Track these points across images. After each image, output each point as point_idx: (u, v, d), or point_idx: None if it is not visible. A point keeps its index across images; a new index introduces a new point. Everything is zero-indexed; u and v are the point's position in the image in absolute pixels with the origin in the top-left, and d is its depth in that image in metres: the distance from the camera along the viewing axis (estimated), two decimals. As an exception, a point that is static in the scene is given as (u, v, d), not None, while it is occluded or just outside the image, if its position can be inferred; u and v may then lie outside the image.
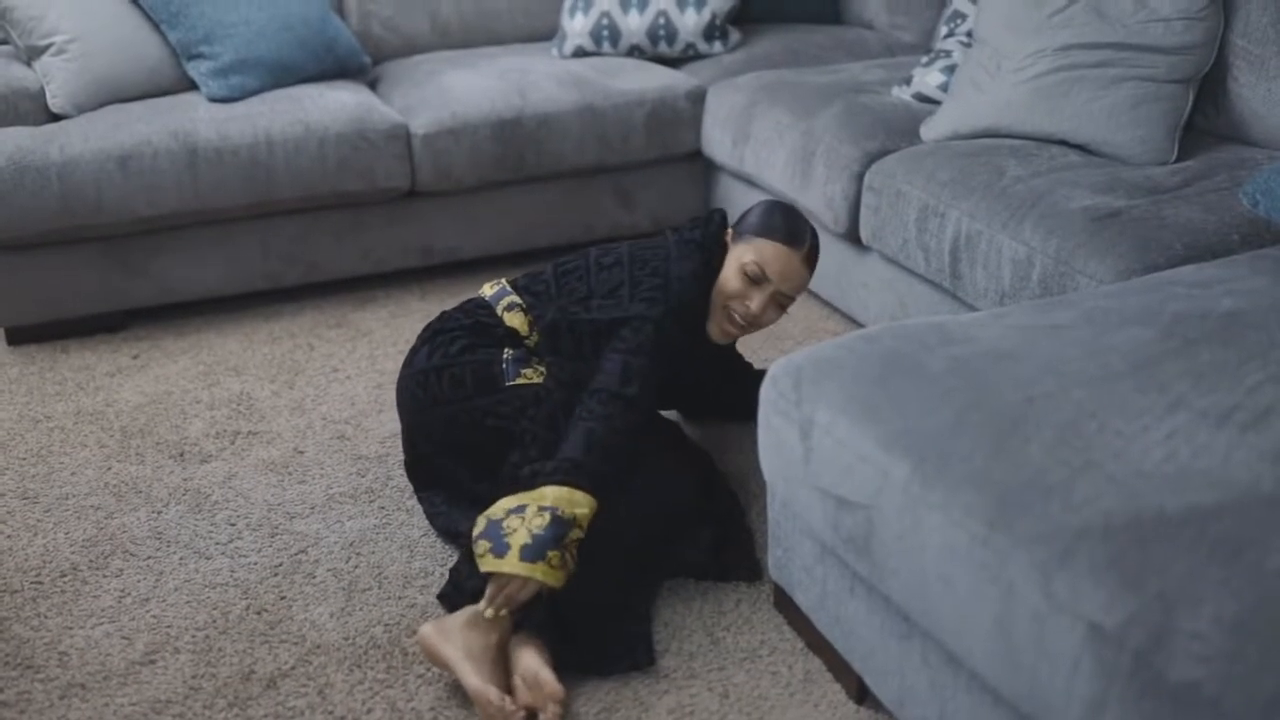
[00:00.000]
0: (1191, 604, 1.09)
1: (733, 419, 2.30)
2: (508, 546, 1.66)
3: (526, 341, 2.02)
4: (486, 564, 1.67)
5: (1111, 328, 1.59)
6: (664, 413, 2.28)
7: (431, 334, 2.07)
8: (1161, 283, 1.76)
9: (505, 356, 1.99)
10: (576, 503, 1.71)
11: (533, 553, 1.65)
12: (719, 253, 2.04)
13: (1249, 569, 1.11)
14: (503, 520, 1.70)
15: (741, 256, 2.00)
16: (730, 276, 2.00)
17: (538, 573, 1.65)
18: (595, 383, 1.84)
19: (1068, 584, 1.16)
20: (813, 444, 1.52)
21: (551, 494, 1.71)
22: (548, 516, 1.68)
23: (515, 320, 2.03)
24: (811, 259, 2.03)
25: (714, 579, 1.92)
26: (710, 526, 1.96)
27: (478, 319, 2.06)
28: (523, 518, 1.69)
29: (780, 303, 2.02)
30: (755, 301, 1.99)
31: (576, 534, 1.70)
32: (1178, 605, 1.09)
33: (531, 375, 1.96)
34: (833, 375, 1.55)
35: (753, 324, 2.02)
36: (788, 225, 2.01)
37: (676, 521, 1.90)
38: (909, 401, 1.46)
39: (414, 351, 2.08)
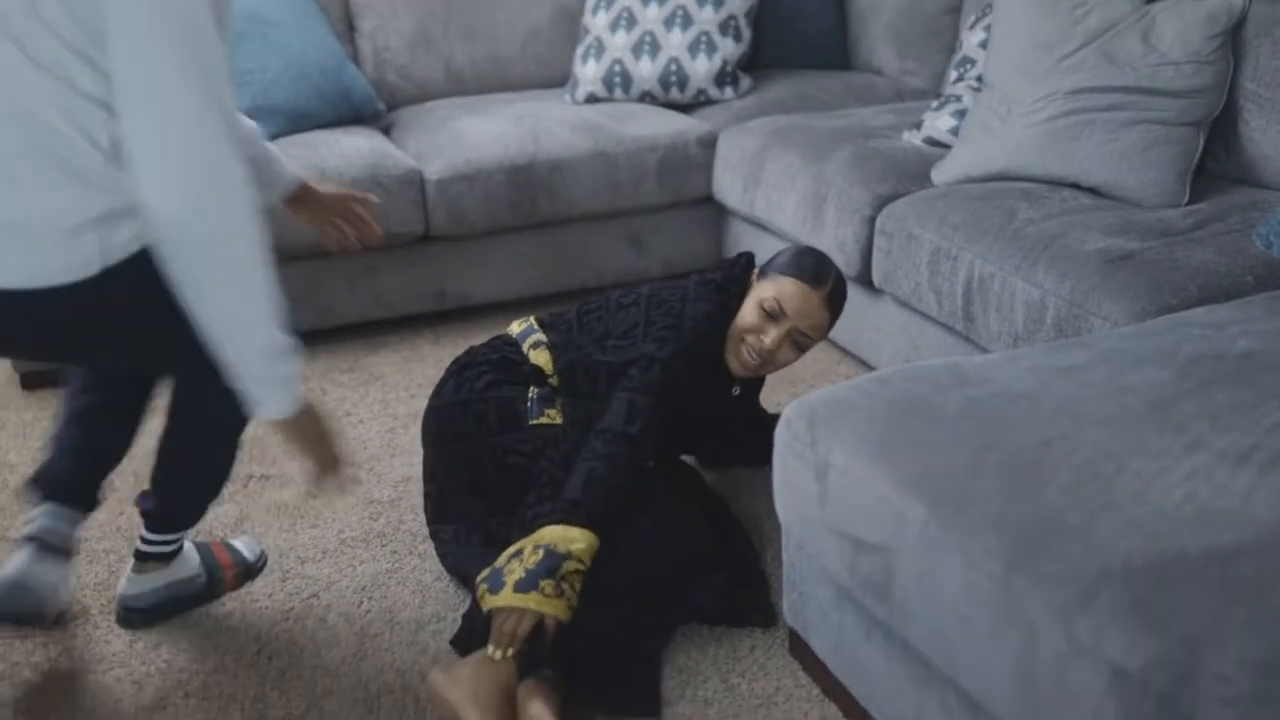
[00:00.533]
0: (1216, 645, 1.07)
1: (748, 464, 2.29)
2: (503, 584, 1.70)
3: (550, 380, 2.03)
4: (485, 602, 1.71)
5: (1127, 369, 1.59)
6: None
7: (459, 368, 2.09)
8: (1176, 324, 1.76)
9: (530, 395, 2.00)
10: (572, 539, 1.73)
11: (525, 585, 1.68)
12: (739, 293, 2.05)
13: (1274, 609, 1.10)
14: (504, 566, 1.74)
15: (761, 292, 2.01)
16: (748, 311, 2.01)
17: (531, 602, 1.67)
18: (601, 422, 1.86)
19: (1090, 626, 1.14)
20: (828, 485, 1.51)
21: (548, 534, 1.74)
22: (541, 553, 1.72)
23: (541, 359, 2.04)
24: (834, 302, 2.03)
25: (728, 624, 1.90)
26: (724, 571, 1.94)
27: (504, 355, 2.08)
28: (521, 559, 1.73)
29: (798, 342, 2.01)
30: (770, 336, 1.98)
31: (574, 565, 1.71)
32: (1202, 647, 1.08)
33: (554, 415, 1.97)
34: (847, 416, 1.55)
35: (767, 361, 2.01)
36: (812, 265, 2.02)
37: (689, 564, 1.89)
38: (925, 443, 1.45)
39: (441, 384, 2.10)
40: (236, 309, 1.47)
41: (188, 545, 1.96)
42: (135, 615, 1.91)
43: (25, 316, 1.48)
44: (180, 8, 1.33)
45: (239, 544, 2.07)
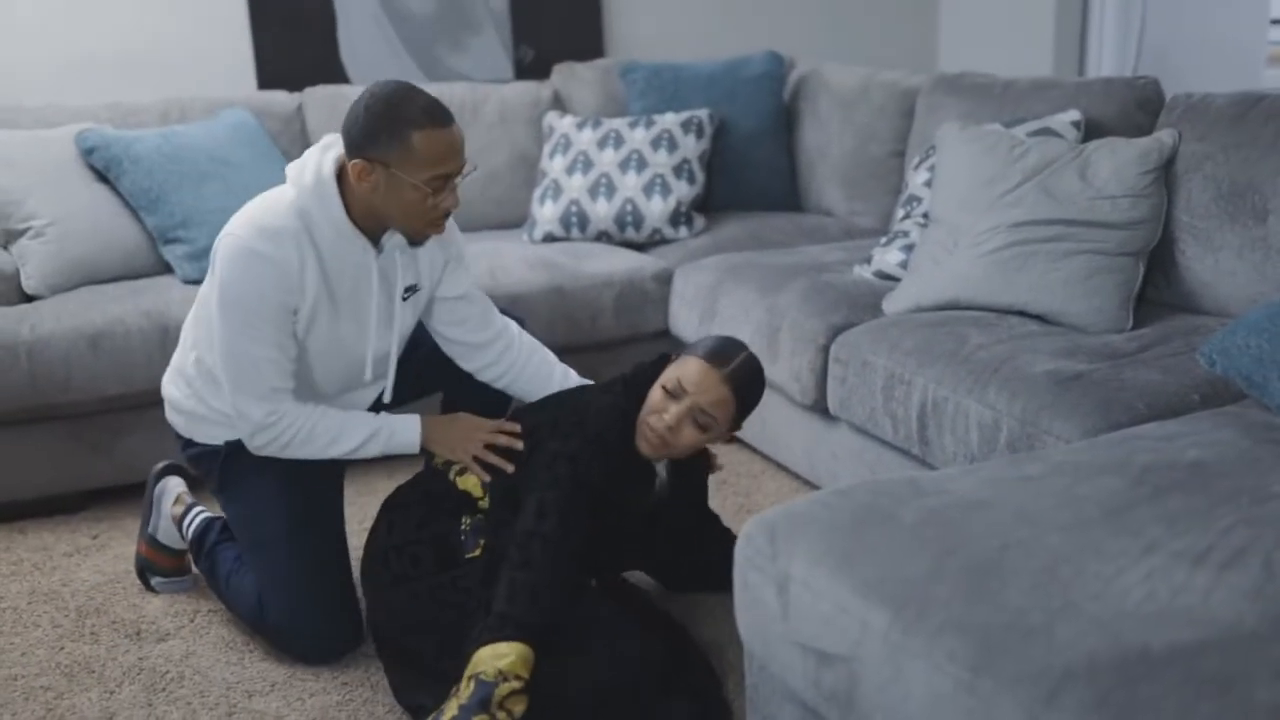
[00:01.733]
0: (1184, 740, 1.06)
1: (710, 587, 2.25)
2: None
3: (480, 504, 2.01)
4: None
5: (1082, 478, 1.60)
6: (637, 581, 2.25)
7: (387, 510, 2.09)
8: (1128, 438, 1.78)
9: (463, 527, 1.98)
10: (500, 654, 1.69)
11: None
12: (650, 385, 2.01)
13: (1239, 703, 1.09)
14: (444, 705, 1.71)
15: (666, 375, 1.99)
16: (653, 393, 1.98)
17: None
18: (516, 528, 1.84)
19: (1057, 725, 1.12)
20: (790, 598, 1.50)
21: (478, 660, 1.71)
22: (473, 685, 1.68)
23: (469, 484, 2.03)
24: (736, 382, 1.96)
25: (691, 752, 1.85)
26: (686, 699, 1.90)
27: (427, 489, 2.07)
28: (457, 696, 1.69)
29: (700, 422, 1.94)
30: (669, 414, 1.94)
31: (509, 687, 1.67)
32: (1170, 742, 1.06)
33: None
34: (808, 528, 1.54)
35: (670, 440, 1.95)
36: (717, 346, 1.98)
37: (647, 687, 1.83)
38: (885, 550, 1.45)
39: (374, 528, 2.10)
40: (302, 454, 2.08)
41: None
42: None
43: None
44: (237, 301, 1.96)
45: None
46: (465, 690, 1.68)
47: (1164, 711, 1.10)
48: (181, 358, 2.21)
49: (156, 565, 2.38)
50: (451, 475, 2.06)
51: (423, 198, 1.93)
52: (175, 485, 2.41)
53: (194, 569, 2.39)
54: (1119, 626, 1.23)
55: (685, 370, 1.96)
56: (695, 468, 2.21)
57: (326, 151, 2.02)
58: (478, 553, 1.94)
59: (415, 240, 2.05)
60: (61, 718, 1.96)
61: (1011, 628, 1.26)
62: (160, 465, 2.47)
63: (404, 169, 1.90)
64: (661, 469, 2.10)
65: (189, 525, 2.32)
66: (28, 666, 2.12)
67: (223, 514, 2.28)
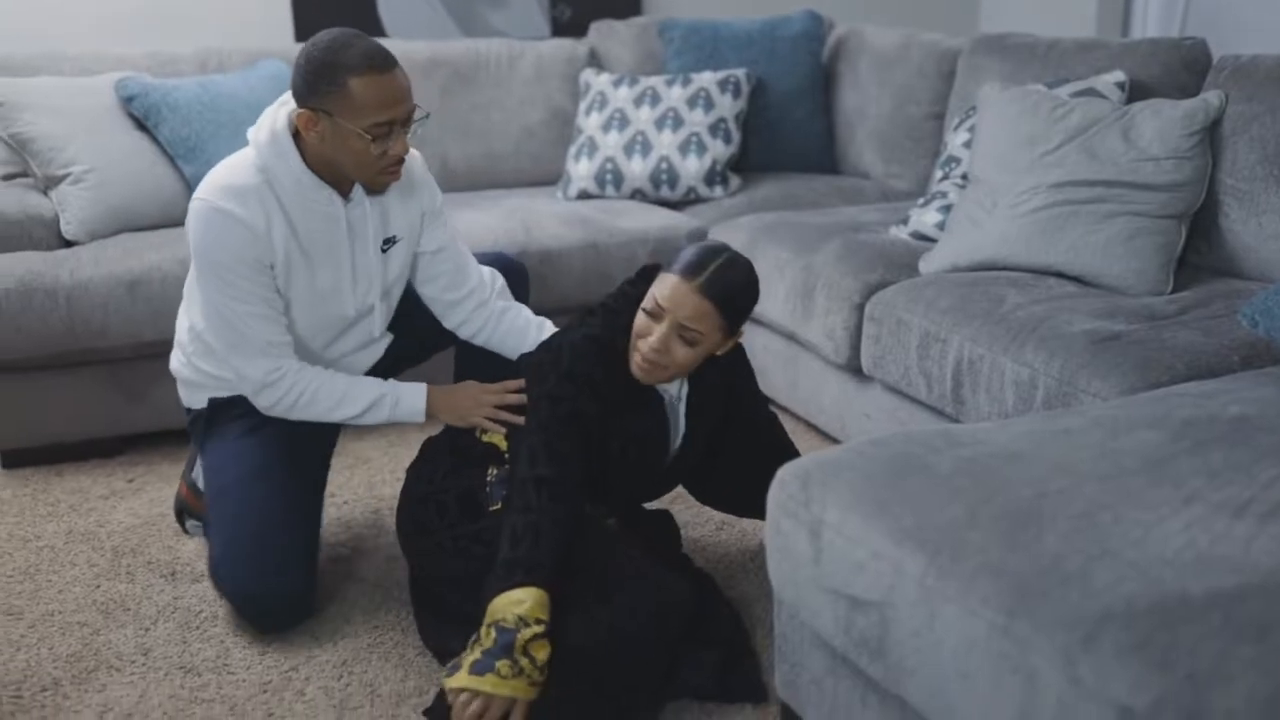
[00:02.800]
0: (1223, 683, 1.05)
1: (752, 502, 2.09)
2: (459, 667, 1.68)
3: (506, 456, 2.01)
4: (445, 684, 1.70)
5: (1121, 432, 1.59)
6: (663, 528, 2.24)
7: (418, 461, 2.10)
8: (1168, 394, 1.76)
9: (489, 479, 1.97)
10: (517, 601, 1.69)
11: (481, 666, 1.66)
12: (635, 304, 1.95)
13: (1278, 647, 1.08)
14: (467, 651, 1.72)
15: (647, 296, 1.92)
16: (638, 316, 1.92)
17: (486, 684, 1.65)
18: (513, 476, 1.84)
19: (1093, 667, 1.12)
20: (823, 544, 1.49)
21: (494, 609, 1.70)
22: (494, 633, 1.68)
23: (494, 438, 2.03)
24: (713, 290, 1.84)
25: (718, 700, 1.85)
26: (715, 649, 1.90)
27: (456, 443, 2.07)
28: (479, 643, 1.70)
29: (686, 338, 1.86)
30: (654, 336, 1.87)
31: (530, 632, 1.67)
32: (1209, 685, 1.05)
33: None
34: (842, 475, 1.54)
35: (663, 361, 1.88)
36: (691, 257, 1.89)
37: (673, 630, 1.83)
38: (920, 498, 1.44)
39: (406, 481, 2.10)
40: (308, 415, 2.10)
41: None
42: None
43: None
44: (209, 261, 1.97)
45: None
46: (487, 637, 1.68)
47: (1203, 654, 1.09)
48: (179, 329, 2.25)
49: (194, 509, 2.40)
50: (478, 431, 2.06)
51: (366, 145, 1.91)
52: None
53: None
54: (1158, 572, 1.22)
55: (661, 289, 1.88)
56: (721, 372, 2.08)
57: (281, 107, 2.01)
58: (500, 506, 1.93)
59: (373, 190, 2.05)
60: (98, 652, 1.99)
61: (1048, 572, 1.25)
62: None
63: (345, 116, 1.89)
64: (672, 387, 2.03)
65: None
66: (65, 603, 2.15)
67: None
